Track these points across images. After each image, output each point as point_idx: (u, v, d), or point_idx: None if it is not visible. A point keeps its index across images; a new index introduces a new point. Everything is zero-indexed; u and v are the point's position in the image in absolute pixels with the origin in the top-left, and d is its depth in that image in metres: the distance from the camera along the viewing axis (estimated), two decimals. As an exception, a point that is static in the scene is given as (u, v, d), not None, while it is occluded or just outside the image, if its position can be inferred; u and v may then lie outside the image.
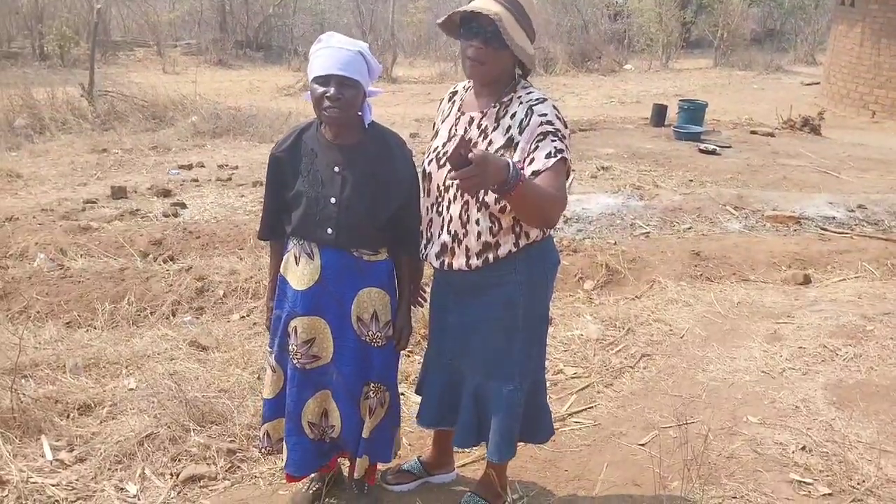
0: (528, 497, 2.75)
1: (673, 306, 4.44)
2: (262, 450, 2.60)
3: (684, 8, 19.43)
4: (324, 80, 2.16)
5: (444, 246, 2.30)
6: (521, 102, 2.19)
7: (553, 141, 2.10)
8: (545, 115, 2.14)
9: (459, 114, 2.32)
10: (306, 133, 2.33)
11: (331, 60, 2.15)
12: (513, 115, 2.18)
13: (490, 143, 2.20)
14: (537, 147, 2.11)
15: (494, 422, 2.38)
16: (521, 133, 2.14)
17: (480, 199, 2.18)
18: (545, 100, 2.19)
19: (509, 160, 1.95)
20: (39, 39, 15.45)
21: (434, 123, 2.46)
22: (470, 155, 1.81)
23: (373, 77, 2.26)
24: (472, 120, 2.27)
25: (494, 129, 2.20)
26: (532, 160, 2.11)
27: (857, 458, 2.99)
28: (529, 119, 2.14)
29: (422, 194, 2.38)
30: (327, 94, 2.16)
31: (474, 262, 2.25)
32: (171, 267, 4.68)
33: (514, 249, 2.24)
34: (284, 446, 2.49)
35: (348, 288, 2.33)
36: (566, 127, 2.18)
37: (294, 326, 2.36)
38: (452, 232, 2.26)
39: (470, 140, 1.88)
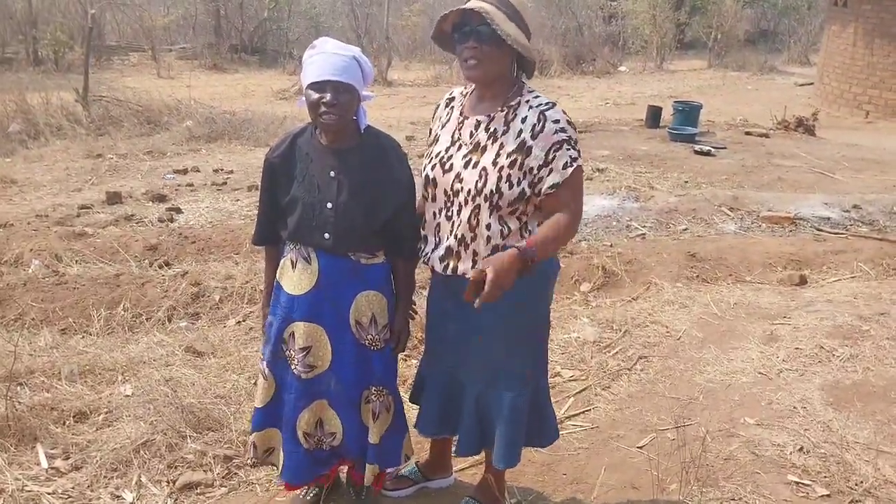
0: (526, 501, 2.74)
1: (669, 308, 4.44)
2: (250, 461, 2.59)
3: (678, 9, 19.46)
4: (319, 86, 2.16)
5: (449, 250, 2.29)
6: (530, 107, 2.20)
7: (568, 150, 2.17)
8: (558, 121, 2.17)
9: (462, 118, 2.31)
10: (301, 138, 2.33)
11: (326, 66, 2.15)
12: (524, 120, 2.19)
13: (501, 146, 2.19)
14: (555, 157, 2.16)
15: (499, 429, 2.37)
16: (533, 139, 2.16)
17: (494, 203, 2.18)
18: (554, 105, 2.22)
19: (516, 247, 2.04)
20: (34, 44, 15.40)
21: (430, 130, 2.45)
22: (484, 275, 1.96)
23: (367, 81, 2.25)
24: (478, 123, 2.25)
25: (505, 132, 2.20)
26: (550, 171, 2.16)
27: (855, 458, 2.99)
28: (543, 125, 2.16)
29: (427, 200, 2.36)
30: (323, 100, 2.15)
31: (482, 266, 2.23)
32: (166, 272, 4.67)
33: None
34: (280, 454, 2.48)
35: (346, 292, 2.33)
36: (575, 130, 2.22)
37: (291, 332, 2.35)
38: (460, 236, 2.25)
39: (482, 271, 1.99)
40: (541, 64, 16.63)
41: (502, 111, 2.22)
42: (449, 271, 2.30)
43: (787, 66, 18.39)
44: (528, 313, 2.31)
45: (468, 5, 2.15)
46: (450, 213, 2.29)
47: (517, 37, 2.14)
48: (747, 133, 9.65)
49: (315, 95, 2.16)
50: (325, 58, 2.17)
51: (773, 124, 10.20)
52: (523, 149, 2.17)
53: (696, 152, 8.33)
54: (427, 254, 2.37)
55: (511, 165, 2.17)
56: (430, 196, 2.34)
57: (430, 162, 2.34)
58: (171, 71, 15.85)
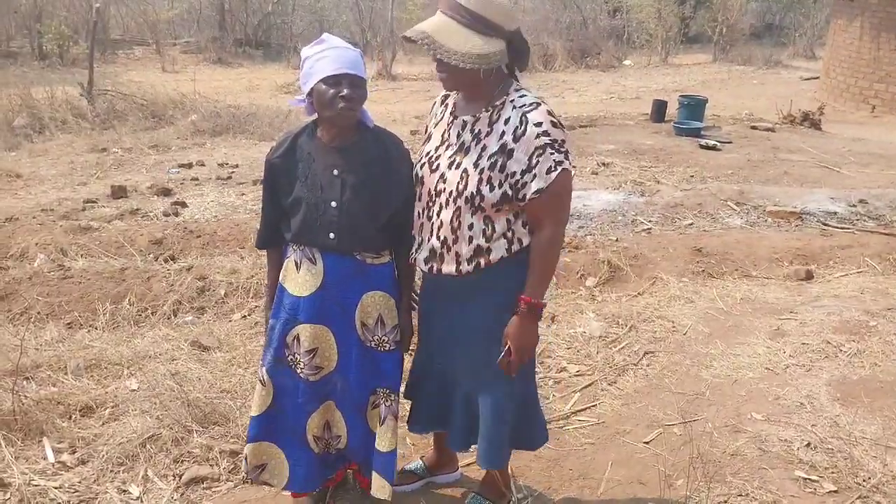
0: (532, 496, 2.74)
1: (675, 303, 4.43)
2: (243, 475, 2.52)
3: (683, 3, 19.37)
4: (335, 80, 2.13)
5: (433, 251, 2.26)
6: (514, 107, 2.14)
7: (552, 154, 2.09)
8: (540, 123, 2.09)
9: (452, 118, 2.27)
10: (301, 137, 2.30)
11: (340, 61, 2.13)
12: (507, 121, 2.13)
13: (483, 148, 2.15)
14: (538, 162, 2.09)
15: (483, 428, 2.36)
16: (515, 141, 2.10)
17: (476, 205, 2.15)
18: (538, 105, 2.13)
19: (516, 312, 2.18)
20: (38, 39, 15.41)
21: (426, 127, 2.42)
22: (509, 349, 2.21)
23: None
24: (465, 124, 2.22)
25: (488, 133, 2.16)
26: (534, 176, 2.10)
27: (863, 454, 2.98)
28: (525, 128, 2.09)
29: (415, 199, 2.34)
30: (341, 94, 2.13)
31: (465, 267, 2.21)
32: (171, 266, 4.66)
33: (505, 255, 2.20)
34: (277, 468, 2.44)
35: (352, 293, 2.30)
36: (564, 130, 2.13)
37: (295, 335, 2.31)
38: (442, 237, 2.23)
39: (507, 350, 2.22)
40: (545, 58, 16.62)
41: (487, 111, 2.17)
42: (434, 272, 2.28)
43: (792, 60, 18.29)
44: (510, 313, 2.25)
45: (408, 33, 2.11)
46: (430, 213, 2.25)
47: (466, 49, 2.04)
48: (753, 127, 9.60)
49: (331, 91, 2.13)
50: (338, 52, 2.14)
51: (779, 118, 10.15)
52: (505, 151, 2.11)
53: (702, 147, 8.30)
54: (413, 254, 2.35)
55: (492, 168, 2.12)
56: (417, 195, 2.31)
57: (419, 160, 2.32)
58: (176, 65, 15.84)
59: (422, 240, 2.30)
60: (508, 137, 2.12)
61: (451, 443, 2.52)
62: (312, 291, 2.28)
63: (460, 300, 2.29)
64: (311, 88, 2.17)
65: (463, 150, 2.19)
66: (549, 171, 2.09)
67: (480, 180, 2.13)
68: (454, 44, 2.06)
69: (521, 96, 2.16)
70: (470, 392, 2.37)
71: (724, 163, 7.66)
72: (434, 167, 2.25)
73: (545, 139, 2.08)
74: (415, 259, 2.34)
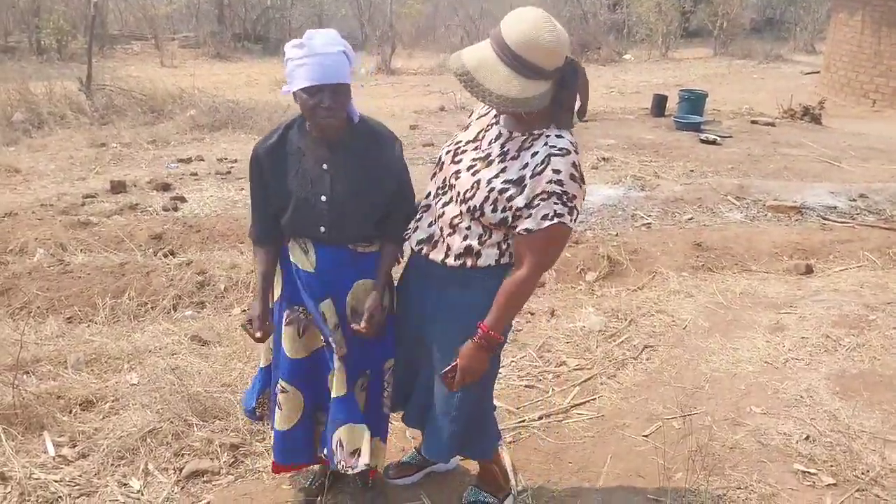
0: (531, 489, 2.74)
1: (675, 297, 4.43)
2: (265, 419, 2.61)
3: (683, -3, 19.35)
4: (314, 89, 2.10)
5: (428, 237, 2.27)
6: (546, 144, 2.08)
7: (556, 204, 2.04)
8: (559, 171, 2.03)
9: (494, 120, 2.23)
10: (291, 130, 2.29)
11: (320, 70, 2.09)
12: (534, 154, 2.09)
13: (503, 170, 2.12)
14: (538, 205, 2.06)
15: (429, 420, 2.37)
16: (531, 178, 2.07)
17: (476, 217, 2.14)
18: (568, 153, 2.06)
19: (471, 339, 2.14)
20: (36, 33, 15.40)
21: (472, 111, 2.38)
22: (455, 365, 2.18)
23: (352, 66, 2.20)
24: (499, 135, 2.18)
25: (514, 158, 2.12)
26: (529, 215, 2.07)
27: (862, 447, 2.99)
28: (544, 169, 2.05)
29: (431, 177, 2.33)
30: (321, 105, 2.11)
31: (451, 261, 2.21)
32: (171, 261, 4.67)
33: (493, 265, 2.19)
34: (273, 437, 2.47)
35: (343, 280, 2.32)
36: (581, 186, 2.09)
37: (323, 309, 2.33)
38: (440, 227, 2.24)
39: (453, 366, 2.18)
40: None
41: (523, 136, 2.13)
42: (423, 254, 2.28)
43: (793, 54, 18.27)
44: (484, 314, 2.22)
45: (450, 62, 2.06)
46: (438, 202, 2.26)
47: (506, 94, 1.98)
48: (753, 122, 9.60)
49: (311, 101, 2.12)
50: (316, 61, 2.09)
51: (779, 113, 10.15)
52: (520, 184, 2.08)
53: (702, 141, 8.30)
54: (409, 232, 2.34)
55: (502, 192, 2.09)
56: (433, 175, 2.31)
57: (448, 144, 2.30)
58: (175, 59, 15.84)
59: (421, 219, 2.30)
60: (528, 172, 2.08)
61: (406, 418, 2.53)
62: (309, 272, 2.31)
63: (440, 288, 2.28)
64: (294, 92, 2.16)
65: (486, 160, 2.16)
66: (543, 218, 2.05)
67: (486, 198, 2.11)
68: (492, 84, 2.00)
69: (558, 136, 2.09)
70: (430, 379, 2.37)
71: (724, 157, 7.66)
72: (456, 160, 2.23)
73: (556, 187, 2.04)
74: (408, 236, 2.33)
